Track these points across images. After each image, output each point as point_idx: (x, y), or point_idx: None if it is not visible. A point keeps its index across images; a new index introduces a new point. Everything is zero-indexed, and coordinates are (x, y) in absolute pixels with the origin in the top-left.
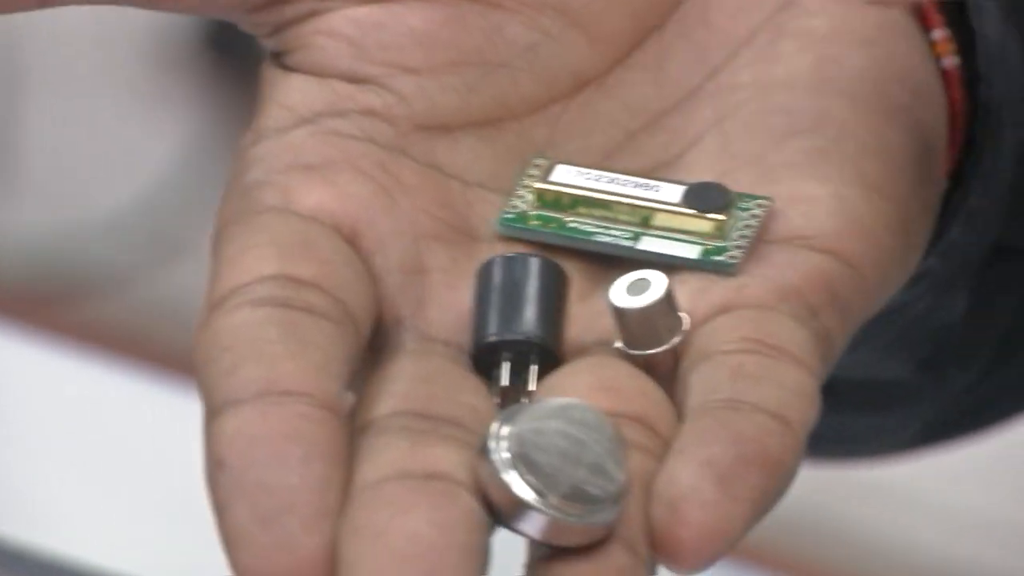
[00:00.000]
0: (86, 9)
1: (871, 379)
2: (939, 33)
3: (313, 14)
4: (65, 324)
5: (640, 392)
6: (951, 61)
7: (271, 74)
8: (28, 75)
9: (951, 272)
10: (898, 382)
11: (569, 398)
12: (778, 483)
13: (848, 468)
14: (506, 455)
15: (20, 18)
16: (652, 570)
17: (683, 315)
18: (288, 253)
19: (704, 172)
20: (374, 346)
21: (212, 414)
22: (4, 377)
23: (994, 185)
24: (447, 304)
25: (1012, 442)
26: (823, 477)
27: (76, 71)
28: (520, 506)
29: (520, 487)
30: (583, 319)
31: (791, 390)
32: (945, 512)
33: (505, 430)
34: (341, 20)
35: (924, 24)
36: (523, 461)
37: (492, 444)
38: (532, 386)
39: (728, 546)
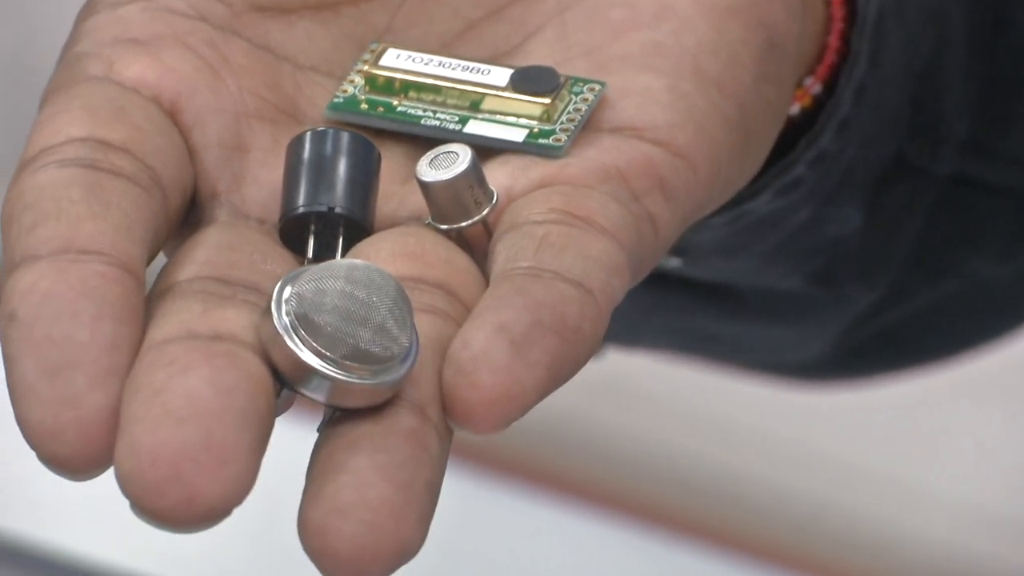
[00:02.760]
0: None
1: (768, 288)
2: None
3: None
4: None
5: (444, 260)
6: None
7: None
8: None
9: (831, 184)
10: (794, 293)
11: (354, 259)
12: (576, 350)
13: (764, 381)
14: (287, 317)
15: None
16: (446, 435)
17: (493, 189)
18: (100, 117)
19: (540, 62)
20: (192, 221)
21: (10, 269)
22: None
23: (874, 97)
24: (263, 182)
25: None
26: (831, 472)
27: None
28: (302, 368)
29: (300, 350)
30: (400, 198)
31: (595, 260)
32: (954, 508)
33: (287, 291)
34: None
35: None
36: (303, 322)
37: (274, 306)
38: (339, 257)
39: (520, 411)
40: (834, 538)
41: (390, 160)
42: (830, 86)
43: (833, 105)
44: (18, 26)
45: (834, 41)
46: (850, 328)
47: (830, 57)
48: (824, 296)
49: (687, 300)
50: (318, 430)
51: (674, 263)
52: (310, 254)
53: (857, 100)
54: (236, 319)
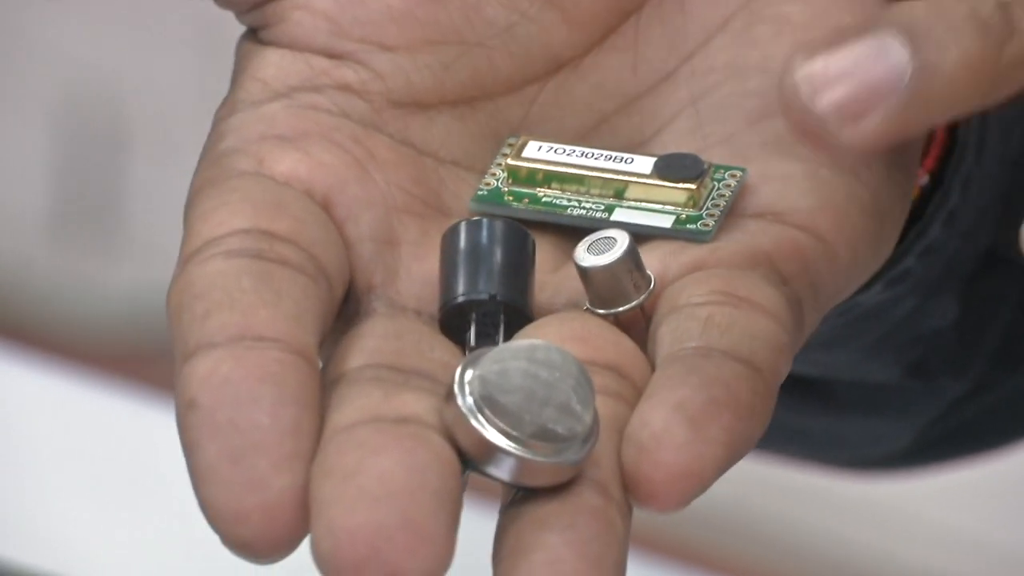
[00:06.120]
0: (188, 77)
1: (861, 380)
2: None
3: None
4: (166, 380)
5: (611, 342)
6: None
7: (247, 48)
8: (131, 141)
9: (935, 275)
10: (888, 386)
11: (533, 339)
12: (749, 427)
13: (845, 476)
14: (471, 399)
15: (125, 88)
16: (628, 515)
17: (650, 273)
18: (262, 209)
19: (677, 151)
20: (345, 314)
21: (184, 358)
22: (109, 434)
23: (976, 188)
24: (416, 274)
25: (1010, 464)
26: (818, 497)
27: (176, 137)
28: (487, 448)
29: (486, 429)
30: (554, 286)
31: (761, 339)
32: (940, 533)
33: (469, 374)
34: None
35: None
36: (488, 403)
37: (457, 388)
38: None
39: (701, 488)
40: None
41: (539, 250)
42: (935, 177)
43: (941, 196)
44: (66, 74)
45: (940, 133)
46: (936, 419)
47: (936, 149)
48: (917, 388)
49: (780, 395)
50: (501, 511)
51: None
52: (472, 343)
53: (964, 191)
54: (417, 403)
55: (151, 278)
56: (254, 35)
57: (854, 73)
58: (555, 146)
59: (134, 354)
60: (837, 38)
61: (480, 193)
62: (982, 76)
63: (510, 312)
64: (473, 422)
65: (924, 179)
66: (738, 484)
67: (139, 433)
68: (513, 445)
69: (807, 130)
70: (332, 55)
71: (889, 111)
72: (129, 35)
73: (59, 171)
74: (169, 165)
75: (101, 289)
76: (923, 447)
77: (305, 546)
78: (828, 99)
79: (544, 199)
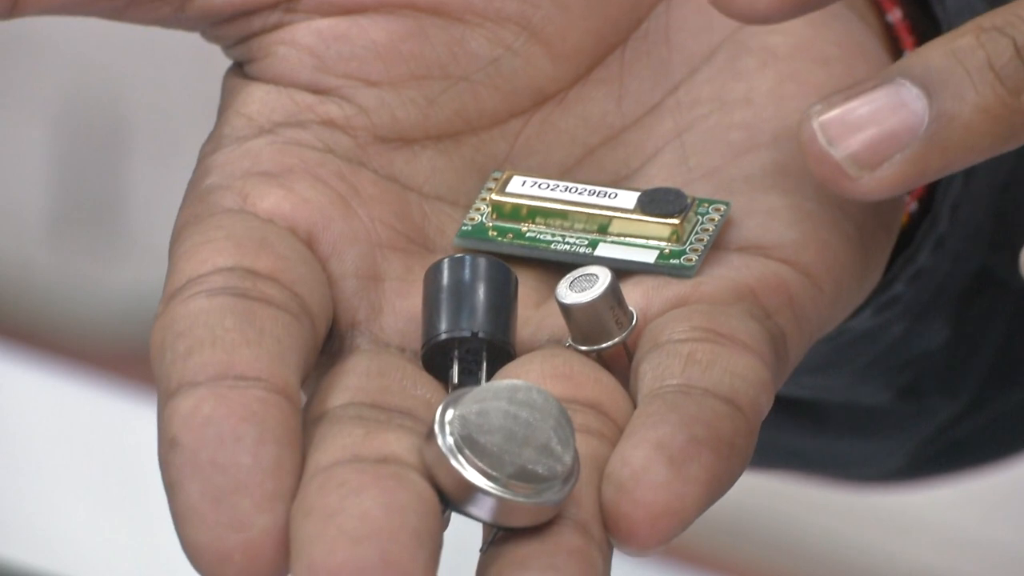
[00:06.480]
0: (188, 77)
1: (853, 402)
2: None
3: (278, 26)
4: None
5: (593, 379)
6: None
7: (232, 83)
8: (132, 142)
9: (925, 299)
10: (880, 408)
11: (514, 380)
12: (730, 466)
13: (840, 490)
14: (451, 439)
15: (126, 89)
16: (608, 554)
17: (632, 310)
18: (245, 247)
19: (662, 184)
20: (329, 350)
21: (167, 396)
22: (110, 434)
23: (965, 212)
24: (400, 311)
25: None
26: (818, 498)
27: (176, 137)
28: (467, 488)
29: (466, 469)
30: (537, 322)
31: (742, 376)
32: (940, 533)
33: (450, 414)
34: (304, 31)
35: (899, 47)
36: (468, 443)
37: (437, 428)
38: (484, 382)
39: (681, 527)
40: None
41: (522, 285)
42: (924, 203)
43: (930, 223)
44: (66, 74)
45: None
46: (929, 439)
47: None
48: (908, 410)
49: (772, 417)
50: (481, 551)
51: None
52: (455, 380)
53: (953, 216)
54: (398, 442)
55: (151, 278)
56: (240, 69)
57: (872, 121)
58: (539, 181)
59: (134, 354)
60: (855, 87)
61: (464, 228)
62: (999, 123)
63: (492, 349)
64: (453, 462)
65: (913, 205)
66: (738, 485)
67: (139, 433)
68: (493, 486)
69: (826, 174)
70: (317, 90)
71: (907, 158)
72: (129, 36)
73: (59, 171)
74: (169, 165)
75: (101, 289)
76: (917, 466)
77: None
78: (847, 147)
79: (528, 234)
